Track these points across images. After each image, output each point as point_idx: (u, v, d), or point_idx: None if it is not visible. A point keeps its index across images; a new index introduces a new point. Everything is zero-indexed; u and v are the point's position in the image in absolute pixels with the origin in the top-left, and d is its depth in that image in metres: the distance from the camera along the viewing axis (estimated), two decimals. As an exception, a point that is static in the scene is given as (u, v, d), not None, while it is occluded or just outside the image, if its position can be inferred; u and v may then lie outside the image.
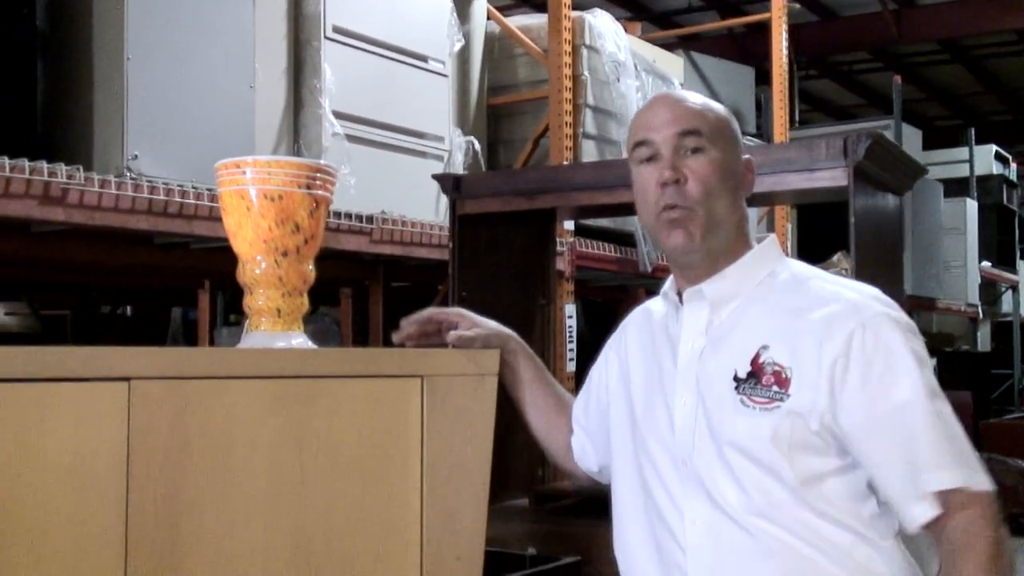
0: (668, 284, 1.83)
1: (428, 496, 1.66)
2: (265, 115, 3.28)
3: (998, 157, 10.38)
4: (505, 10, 6.55)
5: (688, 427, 1.69)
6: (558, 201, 3.08)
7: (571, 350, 3.86)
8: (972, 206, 9.08)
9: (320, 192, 1.77)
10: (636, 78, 4.66)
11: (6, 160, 2.46)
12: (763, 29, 6.36)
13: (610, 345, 1.98)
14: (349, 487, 1.59)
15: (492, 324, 1.96)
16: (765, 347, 1.65)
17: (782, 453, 1.59)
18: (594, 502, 3.10)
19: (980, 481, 1.58)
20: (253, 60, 3.14)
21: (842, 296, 1.67)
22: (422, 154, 3.85)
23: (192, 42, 2.94)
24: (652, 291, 5.19)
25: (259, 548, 1.51)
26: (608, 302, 5.69)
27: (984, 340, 10.37)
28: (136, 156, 2.76)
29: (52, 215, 2.58)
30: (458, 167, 4.00)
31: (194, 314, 5.78)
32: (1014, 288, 10.76)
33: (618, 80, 4.53)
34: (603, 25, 4.54)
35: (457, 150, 4.01)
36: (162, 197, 2.79)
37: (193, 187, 2.87)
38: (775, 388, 1.62)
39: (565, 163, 4.18)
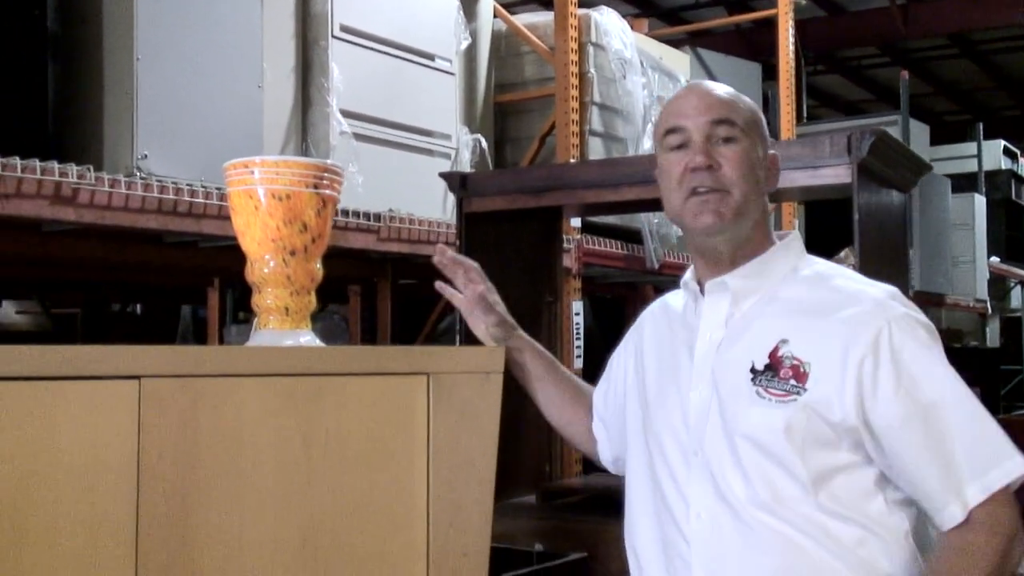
0: (689, 274, 1.83)
1: (434, 492, 1.68)
2: (273, 114, 3.29)
3: (1007, 152, 10.33)
4: (511, 8, 6.56)
5: (701, 418, 1.70)
6: (565, 199, 3.10)
7: (578, 347, 3.87)
8: (980, 201, 9.04)
9: (327, 191, 1.79)
10: (642, 75, 4.66)
11: (17, 160, 2.48)
12: (770, 25, 6.34)
13: (629, 335, 2.00)
14: (356, 483, 1.61)
15: (503, 311, 2.00)
16: (784, 341, 1.66)
17: (795, 447, 1.60)
18: (601, 499, 3.12)
19: (1013, 468, 1.58)
20: (261, 60, 3.16)
21: (866, 295, 1.68)
22: (429, 152, 3.87)
23: (201, 42, 2.96)
24: (659, 288, 5.23)
25: (268, 543, 1.53)
26: (616, 299, 5.70)
27: (993, 336, 10.32)
28: (146, 156, 2.78)
29: (63, 215, 2.61)
30: (465, 165, 4.01)
31: (204, 312, 5.81)
32: (1023, 284, 10.72)
33: (624, 77, 4.54)
34: (609, 22, 4.55)
35: (464, 148, 4.03)
36: (171, 196, 2.81)
37: (202, 186, 2.89)
38: (792, 382, 1.63)
39: (572, 160, 4.19)
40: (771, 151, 1.80)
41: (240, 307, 5.38)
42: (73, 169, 2.59)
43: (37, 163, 2.52)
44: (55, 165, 2.56)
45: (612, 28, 4.54)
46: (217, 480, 1.49)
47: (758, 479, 1.62)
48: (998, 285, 10.08)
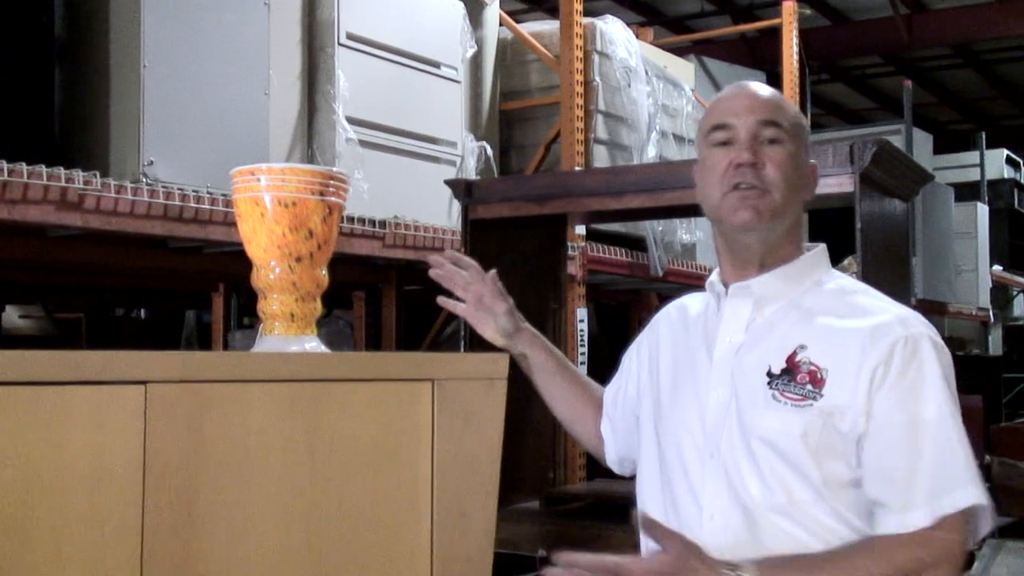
0: (715, 275, 1.83)
1: (438, 498, 1.68)
2: (279, 121, 3.31)
3: (1009, 161, 10.35)
4: (517, 16, 6.58)
5: (719, 421, 1.70)
6: (569, 206, 3.11)
7: (582, 353, 3.88)
8: (983, 210, 9.06)
9: (333, 198, 1.80)
10: (647, 84, 4.68)
11: (24, 166, 2.50)
12: (775, 33, 6.37)
13: (643, 335, 1.99)
14: (361, 489, 1.62)
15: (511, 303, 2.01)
16: (803, 347, 1.66)
17: (810, 452, 1.60)
18: (605, 504, 3.12)
19: (961, 499, 1.57)
20: (268, 67, 3.17)
21: (888, 310, 1.69)
22: (435, 159, 3.88)
23: (207, 49, 2.97)
24: (663, 295, 5.24)
25: (273, 549, 1.53)
26: (620, 306, 5.71)
27: (995, 344, 10.33)
28: (152, 162, 2.80)
29: (69, 220, 2.62)
30: (470, 172, 4.02)
31: (208, 317, 5.82)
32: (1026, 292, 10.75)
33: (629, 86, 4.56)
34: (615, 31, 4.57)
35: (469, 155, 4.04)
36: (177, 202, 2.82)
37: (208, 192, 2.90)
38: (809, 387, 1.63)
39: (576, 168, 4.20)
40: (812, 160, 1.80)
41: (245, 312, 5.39)
42: (79, 175, 2.61)
43: (43, 168, 2.54)
44: (61, 171, 2.57)
45: (617, 37, 4.56)
46: (223, 485, 1.49)
47: (774, 482, 1.62)
48: (1001, 293, 10.09)
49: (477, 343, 2.05)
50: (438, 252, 2.06)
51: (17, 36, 2.74)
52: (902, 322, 1.66)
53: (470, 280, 2.04)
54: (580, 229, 4.15)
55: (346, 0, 3.51)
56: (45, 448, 1.35)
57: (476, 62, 4.31)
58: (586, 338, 3.94)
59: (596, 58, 4.46)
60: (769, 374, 1.67)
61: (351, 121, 3.48)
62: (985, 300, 8.96)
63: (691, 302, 1.92)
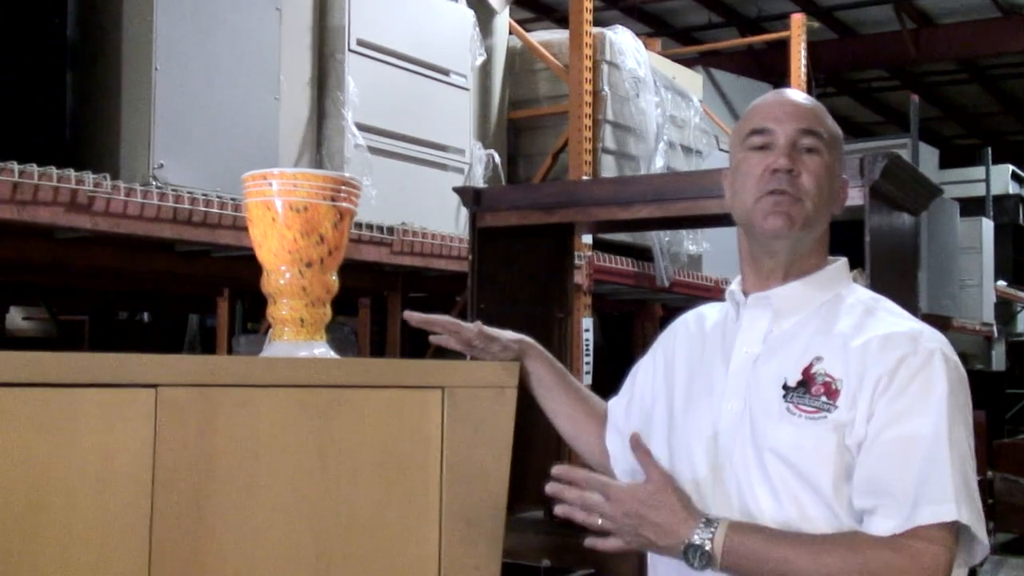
0: (735, 284, 1.82)
1: (447, 505, 1.68)
2: (289, 126, 3.31)
3: (1015, 177, 10.34)
4: (527, 25, 6.58)
5: (732, 431, 1.69)
6: (577, 215, 3.11)
7: (587, 363, 3.88)
8: (988, 225, 9.06)
9: (345, 204, 1.80)
10: (656, 94, 4.68)
11: (35, 168, 2.50)
12: (782, 46, 6.37)
13: (658, 345, 1.97)
14: (370, 495, 1.61)
15: (508, 334, 1.97)
16: (819, 358, 1.65)
17: (824, 465, 1.60)
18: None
19: (942, 512, 1.54)
20: (278, 72, 3.18)
21: (904, 325, 1.67)
22: (443, 167, 3.88)
23: (219, 53, 2.98)
24: (669, 306, 5.24)
25: (281, 554, 1.53)
26: (624, 316, 5.71)
27: (999, 359, 10.31)
28: (162, 165, 2.80)
29: (78, 222, 2.62)
30: (478, 180, 4.03)
31: (211, 321, 5.82)
32: (1029, 307, 10.73)
33: (638, 96, 4.56)
34: (624, 41, 4.57)
35: (477, 163, 4.04)
36: (186, 206, 2.82)
37: (217, 196, 2.90)
38: (823, 399, 1.62)
39: (584, 178, 4.20)
40: (844, 175, 1.80)
41: (249, 317, 5.39)
42: (89, 177, 2.61)
43: (54, 170, 2.54)
44: (71, 173, 2.58)
45: (626, 47, 4.56)
46: (232, 489, 1.49)
47: (786, 496, 1.61)
48: (1004, 309, 10.08)
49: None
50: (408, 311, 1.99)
51: (29, 38, 2.75)
52: (916, 336, 1.65)
53: (451, 331, 1.97)
54: (587, 238, 4.15)
55: (357, 6, 3.51)
56: (54, 450, 1.35)
57: (485, 70, 4.32)
58: (591, 348, 3.93)
59: (605, 68, 4.46)
60: (785, 387, 1.66)
61: (360, 127, 3.49)
62: (989, 315, 8.95)
63: (709, 312, 1.91)
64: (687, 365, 1.84)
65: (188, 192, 2.84)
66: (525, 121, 4.73)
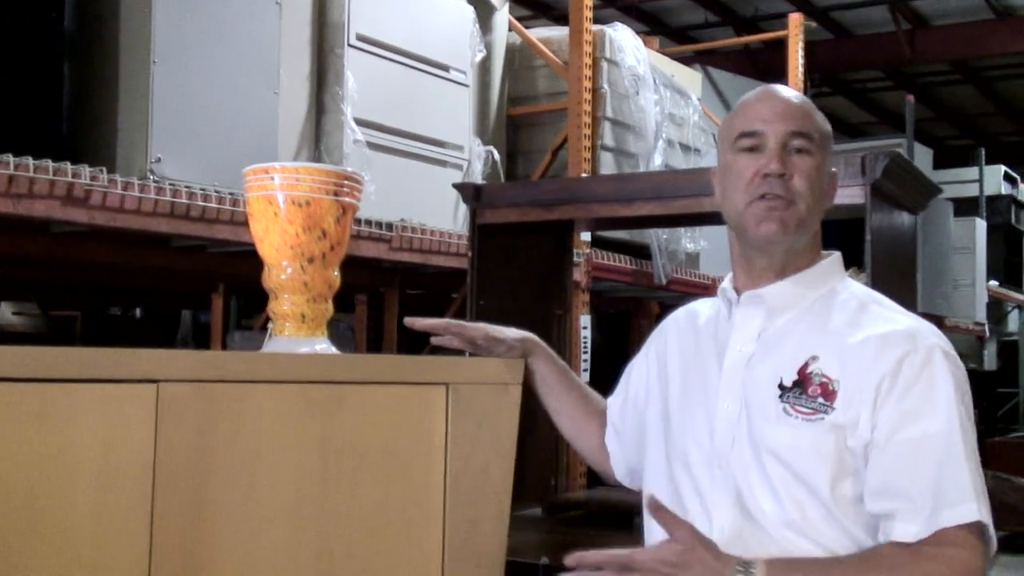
0: (727, 282, 1.80)
1: (451, 503, 1.66)
2: (288, 121, 3.29)
3: (1007, 178, 10.38)
4: (526, 21, 6.57)
5: (728, 432, 1.67)
6: (576, 212, 3.10)
7: (585, 360, 3.86)
8: (981, 225, 9.09)
9: (347, 199, 1.78)
10: (655, 92, 4.67)
11: (31, 160, 2.48)
12: (779, 45, 6.37)
13: (650, 343, 1.95)
14: (372, 493, 1.60)
15: (512, 332, 1.95)
16: (815, 358, 1.64)
17: (822, 468, 1.58)
18: (606, 512, 3.11)
19: (965, 513, 1.54)
20: (277, 66, 3.16)
21: (900, 321, 1.66)
22: (442, 163, 3.87)
23: (218, 47, 2.96)
24: (666, 304, 5.23)
25: (282, 552, 1.52)
26: (619, 313, 5.69)
27: (991, 358, 10.34)
28: (159, 159, 2.78)
29: (74, 216, 2.60)
30: (477, 176, 4.01)
31: (204, 317, 5.80)
32: (1021, 307, 10.76)
33: (637, 93, 4.55)
34: (623, 39, 4.56)
35: (476, 159, 4.03)
36: (184, 200, 2.80)
37: (215, 191, 2.88)
38: (820, 400, 1.60)
39: (583, 175, 4.19)
40: (832, 169, 1.78)
41: (244, 314, 5.37)
42: (86, 170, 2.59)
43: (50, 163, 2.52)
44: (68, 166, 2.55)
45: (626, 44, 4.55)
46: (233, 486, 1.48)
47: (787, 498, 1.60)
48: (996, 308, 10.11)
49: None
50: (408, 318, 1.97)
51: (26, 31, 2.73)
52: (913, 334, 1.63)
53: (453, 333, 1.95)
54: (585, 236, 4.14)
55: (356, 2, 3.50)
56: (54, 446, 1.34)
57: (485, 66, 4.31)
58: (589, 345, 3.92)
59: (605, 65, 4.45)
60: (780, 387, 1.65)
61: (359, 123, 3.47)
62: (981, 315, 8.98)
63: (701, 308, 1.89)
64: (680, 362, 1.83)
65: (186, 186, 2.82)
66: (524, 118, 4.72)
